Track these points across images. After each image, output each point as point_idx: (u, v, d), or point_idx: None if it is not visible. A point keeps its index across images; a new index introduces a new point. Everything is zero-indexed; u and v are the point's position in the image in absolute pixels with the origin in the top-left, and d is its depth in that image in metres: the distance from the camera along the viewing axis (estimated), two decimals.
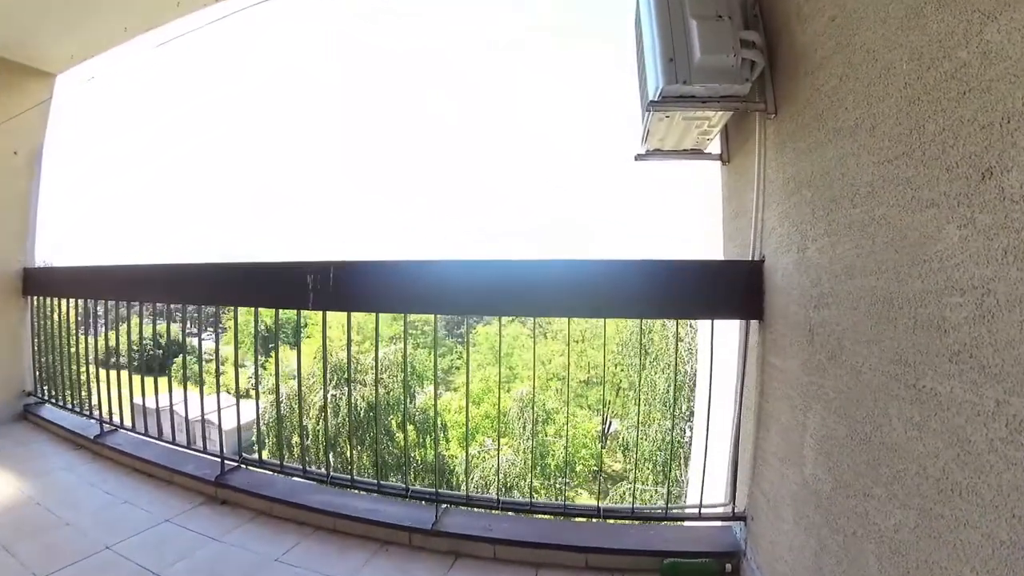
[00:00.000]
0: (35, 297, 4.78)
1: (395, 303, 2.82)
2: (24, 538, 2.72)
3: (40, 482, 3.42)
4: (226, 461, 3.29)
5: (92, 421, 4.15)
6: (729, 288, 2.35)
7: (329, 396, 17.44)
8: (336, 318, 3.32)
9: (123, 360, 4.22)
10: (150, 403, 3.83)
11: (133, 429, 3.91)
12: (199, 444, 3.53)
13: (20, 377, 4.81)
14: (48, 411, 4.59)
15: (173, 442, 3.63)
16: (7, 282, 4.72)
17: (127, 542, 2.73)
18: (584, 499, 19.48)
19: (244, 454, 3.36)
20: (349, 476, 2.97)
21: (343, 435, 16.98)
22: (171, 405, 3.91)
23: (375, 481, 2.91)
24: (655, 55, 2.06)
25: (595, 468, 19.56)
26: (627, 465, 19.89)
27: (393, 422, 18.54)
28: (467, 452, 15.64)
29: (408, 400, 18.99)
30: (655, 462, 17.11)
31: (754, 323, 2.31)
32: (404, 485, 2.84)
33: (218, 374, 4.19)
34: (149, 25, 4.00)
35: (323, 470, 3.18)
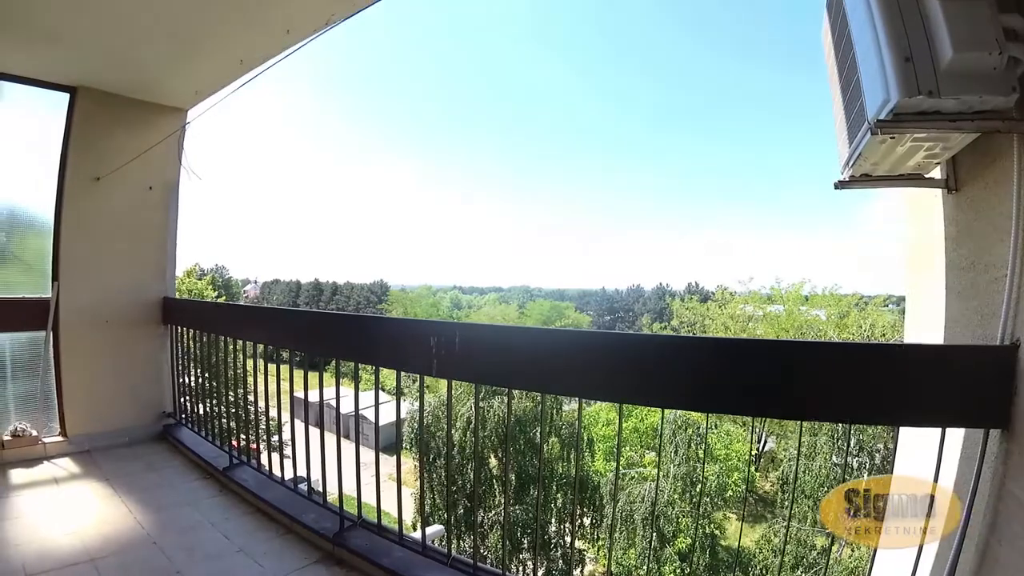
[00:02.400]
0: (174, 325, 4.91)
1: (528, 379, 2.39)
2: None
3: (162, 517, 3.36)
4: (345, 519, 3.01)
5: (223, 452, 4.12)
6: (957, 381, 1.61)
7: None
8: None
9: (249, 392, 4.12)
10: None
11: (259, 468, 3.82)
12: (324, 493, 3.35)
13: (160, 399, 4.97)
14: (185, 434, 4.66)
15: (295, 489, 3.45)
16: (149, 310, 4.92)
17: None
18: (734, 526, 18.05)
19: (364, 515, 3.04)
20: (472, 562, 2.52)
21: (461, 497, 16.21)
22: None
23: (500, 571, 2.43)
24: (880, 53, 1.44)
25: (744, 494, 17.92)
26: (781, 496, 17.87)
27: (539, 432, 17.74)
28: None
29: (555, 412, 18.05)
30: (816, 499, 15.29)
31: (994, 432, 1.56)
32: None
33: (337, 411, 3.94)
34: (263, 56, 3.95)
35: (444, 547, 2.77)
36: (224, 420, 4.41)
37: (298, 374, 3.53)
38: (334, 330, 3.39)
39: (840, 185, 2.07)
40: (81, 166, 4.41)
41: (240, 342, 3.99)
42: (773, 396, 1.84)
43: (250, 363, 3.95)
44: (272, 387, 3.92)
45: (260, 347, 3.83)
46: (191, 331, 4.65)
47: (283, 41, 3.71)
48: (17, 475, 3.80)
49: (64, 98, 4.35)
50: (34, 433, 4.12)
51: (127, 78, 4.34)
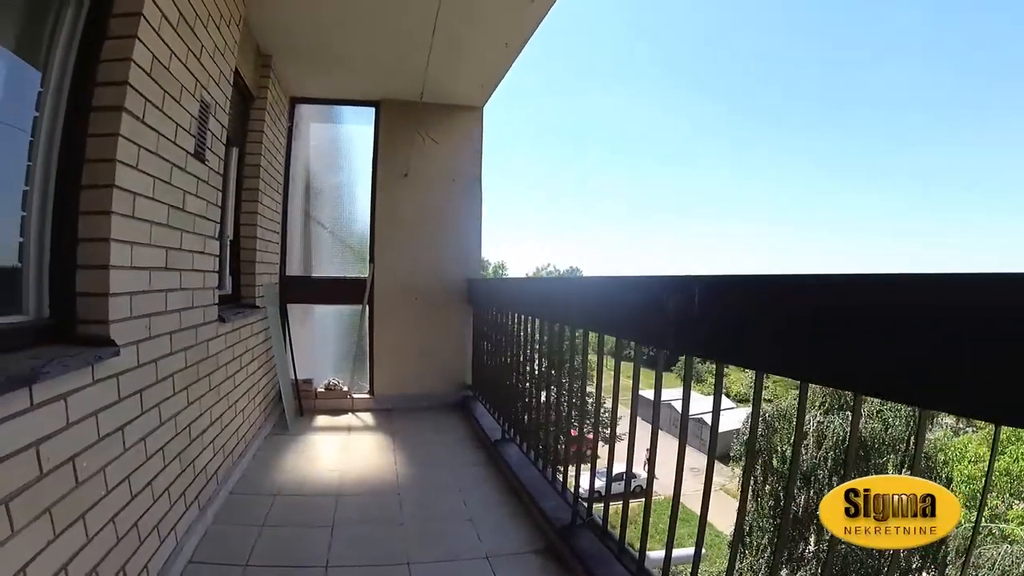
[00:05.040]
0: (476, 304, 5.18)
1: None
2: (356, 523, 2.71)
3: (418, 473, 3.48)
4: (577, 515, 2.56)
5: (499, 426, 4.11)
6: None
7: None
8: None
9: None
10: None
11: (520, 445, 3.64)
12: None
13: (462, 372, 5.32)
14: (478, 407, 4.85)
15: (543, 472, 3.15)
16: (455, 290, 5.30)
17: (426, 567, 2.38)
18: None
19: (593, 515, 2.55)
20: None
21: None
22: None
23: None
24: None
25: None
26: None
27: (889, 464, 13.96)
28: None
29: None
30: None
31: None
32: None
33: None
34: (521, 33, 3.88)
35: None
36: (507, 397, 4.39)
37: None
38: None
39: None
40: (390, 165, 5.09)
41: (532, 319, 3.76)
42: None
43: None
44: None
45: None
46: (492, 309, 4.72)
47: (532, 12, 3.59)
48: (321, 420, 4.54)
49: (371, 111, 5.17)
50: (344, 388, 4.86)
51: (416, 87, 4.74)
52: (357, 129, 5.29)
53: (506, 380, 4.09)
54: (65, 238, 1.64)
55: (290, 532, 2.55)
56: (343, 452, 3.79)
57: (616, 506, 2.43)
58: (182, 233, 2.29)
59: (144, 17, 1.75)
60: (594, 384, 2.53)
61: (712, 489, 1.72)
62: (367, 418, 4.66)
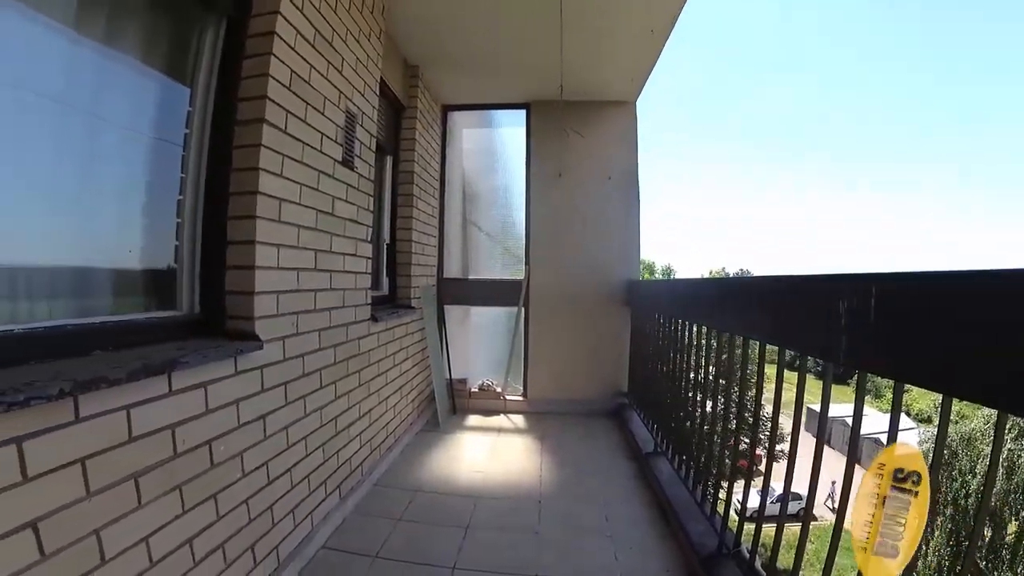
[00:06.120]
0: (636, 307, 4.91)
1: None
2: (491, 528, 2.68)
3: (564, 481, 3.35)
4: (723, 543, 2.25)
5: (652, 438, 3.84)
6: None
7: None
8: None
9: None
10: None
11: (672, 460, 3.34)
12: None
13: (618, 378, 5.08)
14: (633, 416, 4.59)
15: (691, 491, 2.84)
16: (613, 292, 5.09)
17: None
18: None
19: (742, 547, 2.19)
20: None
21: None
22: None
23: None
24: None
25: None
26: None
27: None
28: None
29: None
30: None
31: None
32: None
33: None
34: (666, 16, 3.58)
35: None
36: (661, 407, 4.10)
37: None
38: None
39: None
40: (543, 166, 5.06)
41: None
42: None
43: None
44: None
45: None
46: (649, 313, 4.43)
47: None
48: (473, 420, 4.59)
49: (522, 113, 5.20)
50: (498, 390, 4.88)
51: (566, 86, 4.66)
52: (510, 132, 5.34)
53: (661, 389, 3.78)
54: (216, 241, 1.81)
55: (424, 529, 2.59)
56: (490, 453, 3.79)
57: (768, 529, 2.05)
58: (331, 236, 2.44)
59: (278, 35, 1.88)
60: (753, 397, 2.18)
61: None
62: (518, 420, 4.65)
